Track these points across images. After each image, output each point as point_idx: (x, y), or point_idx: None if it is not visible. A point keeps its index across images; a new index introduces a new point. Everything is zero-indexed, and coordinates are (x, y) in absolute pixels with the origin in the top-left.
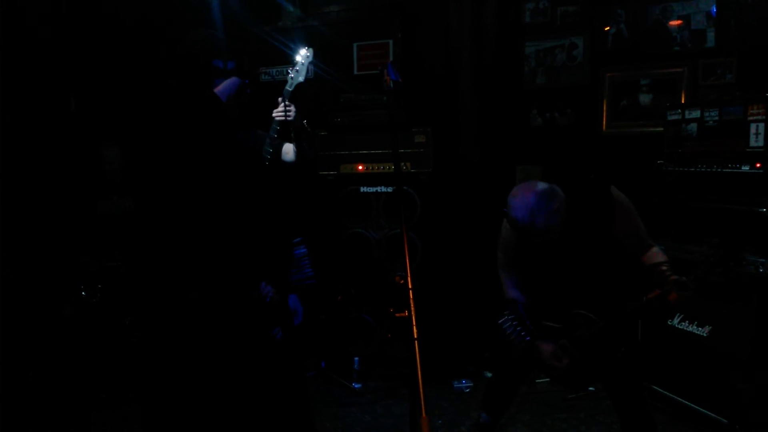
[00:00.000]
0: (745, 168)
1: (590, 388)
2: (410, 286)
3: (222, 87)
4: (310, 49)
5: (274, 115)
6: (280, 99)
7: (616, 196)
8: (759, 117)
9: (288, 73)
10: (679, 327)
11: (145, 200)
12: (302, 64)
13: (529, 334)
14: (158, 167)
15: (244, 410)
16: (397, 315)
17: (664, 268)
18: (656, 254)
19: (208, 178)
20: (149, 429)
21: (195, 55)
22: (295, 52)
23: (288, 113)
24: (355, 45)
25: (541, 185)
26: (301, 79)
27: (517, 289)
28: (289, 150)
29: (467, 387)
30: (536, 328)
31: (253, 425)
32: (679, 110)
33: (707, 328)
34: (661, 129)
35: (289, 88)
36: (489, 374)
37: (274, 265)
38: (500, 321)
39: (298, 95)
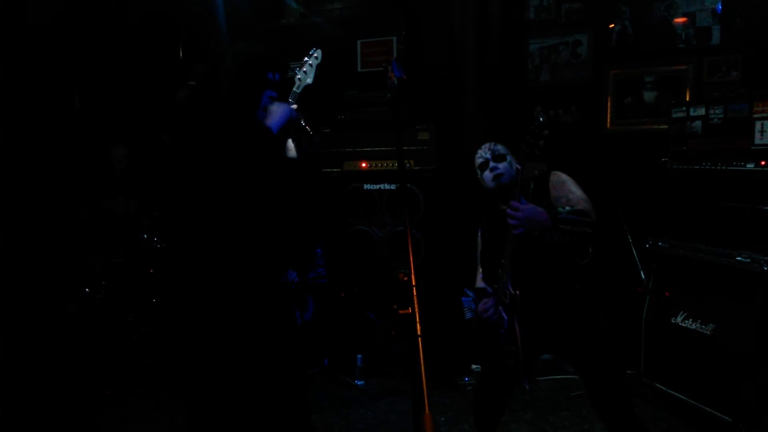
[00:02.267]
0: (750, 165)
1: None
2: (414, 283)
3: (278, 116)
4: (319, 51)
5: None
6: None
7: (553, 172)
8: (764, 114)
9: (296, 74)
10: (683, 325)
11: (190, 203)
12: (310, 65)
13: (473, 309)
14: (205, 178)
15: (256, 399)
16: (401, 312)
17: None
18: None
19: (248, 181)
20: (194, 416)
21: (252, 65)
22: (303, 53)
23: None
24: (358, 42)
25: None
26: (309, 81)
27: (483, 283)
28: (290, 147)
29: (470, 384)
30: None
31: (257, 415)
32: (684, 107)
33: (711, 326)
34: (666, 126)
35: (296, 89)
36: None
37: (301, 254)
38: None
39: (303, 95)
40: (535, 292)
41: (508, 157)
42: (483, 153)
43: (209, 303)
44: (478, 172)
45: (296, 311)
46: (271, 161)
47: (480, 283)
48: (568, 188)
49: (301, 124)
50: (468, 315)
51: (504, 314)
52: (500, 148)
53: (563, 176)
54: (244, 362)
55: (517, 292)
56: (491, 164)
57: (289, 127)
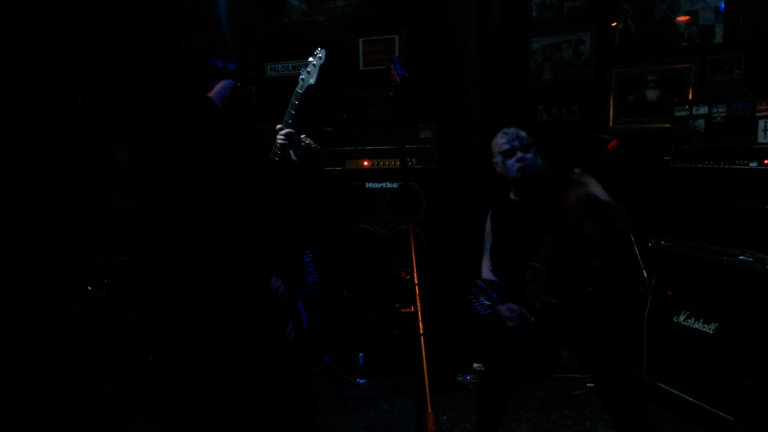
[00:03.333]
0: (753, 164)
1: (591, 385)
2: (416, 282)
3: (216, 90)
4: (323, 51)
5: (278, 140)
6: (279, 126)
7: (576, 171)
8: (767, 113)
9: (299, 74)
10: (685, 324)
11: (155, 199)
12: (314, 65)
13: (492, 304)
14: (165, 167)
15: (252, 405)
16: (403, 311)
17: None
18: None
19: (210, 177)
20: (171, 421)
21: (194, 54)
22: (306, 51)
23: (287, 138)
24: (360, 40)
25: None
26: (312, 81)
27: (492, 274)
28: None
29: (472, 383)
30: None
31: (260, 421)
32: (687, 106)
33: (713, 325)
34: (669, 125)
35: (299, 90)
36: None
37: (284, 261)
38: (470, 297)
39: (305, 95)
40: (568, 298)
41: (533, 148)
42: (509, 139)
43: (179, 306)
44: (500, 158)
45: (286, 323)
46: (217, 130)
47: (489, 274)
48: (587, 189)
49: (303, 140)
50: (482, 311)
51: (529, 316)
52: (526, 136)
53: (592, 187)
54: (218, 370)
55: (555, 300)
56: (519, 153)
57: (234, 99)
